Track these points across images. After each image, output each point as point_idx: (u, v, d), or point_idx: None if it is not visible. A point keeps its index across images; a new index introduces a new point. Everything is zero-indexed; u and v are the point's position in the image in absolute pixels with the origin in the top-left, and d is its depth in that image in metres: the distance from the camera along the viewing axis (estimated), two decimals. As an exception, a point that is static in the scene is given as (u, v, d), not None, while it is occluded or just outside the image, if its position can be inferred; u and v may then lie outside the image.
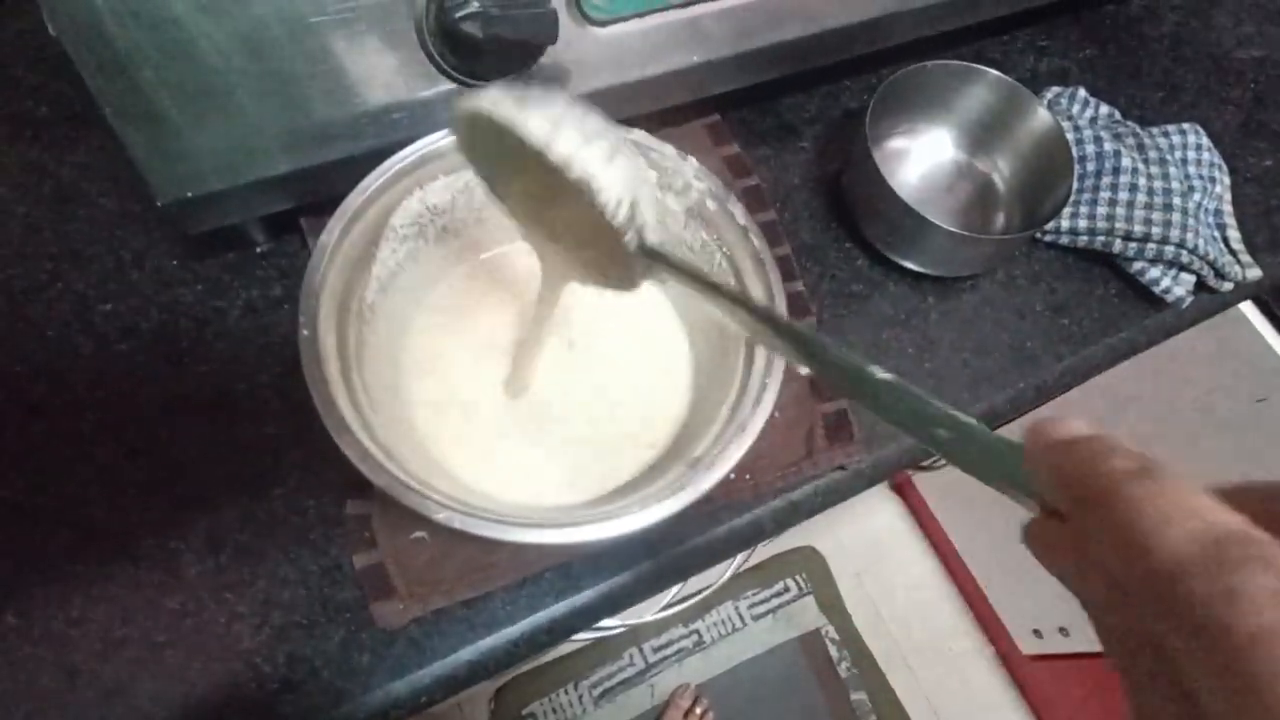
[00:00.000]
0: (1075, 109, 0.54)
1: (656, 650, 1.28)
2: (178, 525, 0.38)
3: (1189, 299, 0.51)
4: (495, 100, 0.27)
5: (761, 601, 1.35)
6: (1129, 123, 0.54)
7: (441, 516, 0.30)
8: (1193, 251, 0.49)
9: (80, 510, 0.37)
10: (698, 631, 1.31)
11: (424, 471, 0.34)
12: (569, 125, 0.26)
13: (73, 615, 0.36)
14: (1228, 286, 0.52)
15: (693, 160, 0.38)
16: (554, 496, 0.38)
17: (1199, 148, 0.54)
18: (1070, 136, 0.50)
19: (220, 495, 0.39)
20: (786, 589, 1.36)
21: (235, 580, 0.37)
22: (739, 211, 0.37)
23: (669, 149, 0.38)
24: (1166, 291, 0.50)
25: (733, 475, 0.33)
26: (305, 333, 0.32)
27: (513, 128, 0.26)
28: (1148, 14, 0.65)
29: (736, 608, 1.35)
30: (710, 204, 0.38)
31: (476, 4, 0.33)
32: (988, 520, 1.21)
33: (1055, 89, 0.55)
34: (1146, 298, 0.51)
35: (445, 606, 0.37)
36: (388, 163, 0.36)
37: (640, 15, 0.40)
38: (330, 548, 0.38)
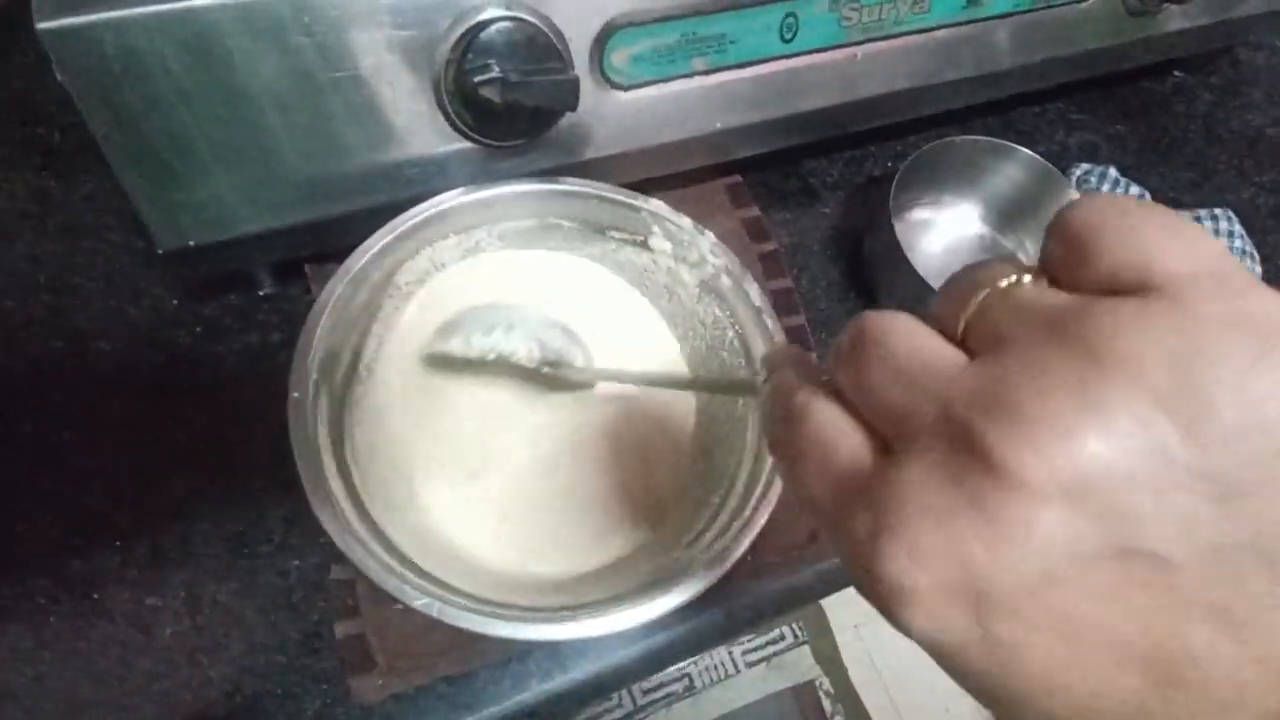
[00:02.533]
0: (1105, 188, 0.53)
1: (646, 693, 1.25)
2: (157, 581, 0.36)
3: (1216, 392, 0.49)
4: (434, 345, 0.37)
5: (756, 648, 1.32)
6: (1160, 206, 0.52)
7: (420, 604, 0.28)
8: (1222, 344, 0.47)
9: (57, 559, 0.36)
10: (689, 675, 1.29)
11: (413, 541, 0.33)
12: (473, 331, 0.36)
13: (41, 671, 0.34)
14: (1256, 380, 0.50)
15: (710, 234, 0.37)
16: (548, 567, 0.36)
17: (1230, 234, 0.53)
18: (1099, 218, 0.49)
19: (203, 550, 0.37)
20: (782, 637, 1.33)
21: (211, 643, 0.36)
22: (754, 291, 0.36)
23: (686, 221, 0.37)
24: (1193, 383, 0.48)
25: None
26: (295, 394, 0.31)
27: (447, 354, 0.37)
28: (1182, 91, 0.64)
29: (730, 652, 1.32)
30: (725, 280, 0.37)
31: (497, 70, 0.32)
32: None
33: (1085, 166, 0.54)
34: (1171, 387, 0.49)
35: (425, 682, 0.36)
36: (394, 223, 0.35)
37: (664, 81, 0.39)
38: (312, 613, 0.37)
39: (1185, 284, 0.13)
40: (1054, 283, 0.15)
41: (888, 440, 0.15)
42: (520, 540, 0.37)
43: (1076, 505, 0.12)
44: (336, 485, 0.31)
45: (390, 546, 0.31)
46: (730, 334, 0.38)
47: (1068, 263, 0.14)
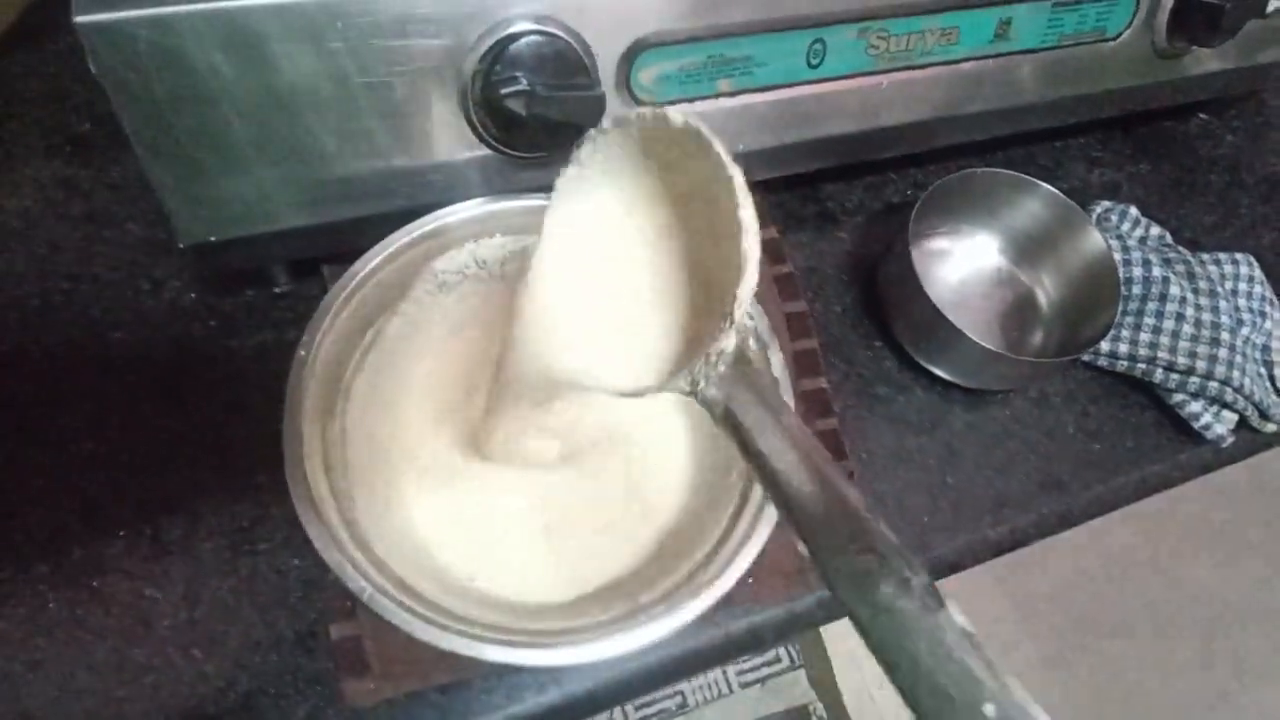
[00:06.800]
0: (1125, 227, 0.53)
1: (638, 709, 1.24)
2: (157, 573, 0.36)
3: (1230, 438, 0.48)
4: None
5: (751, 669, 1.31)
6: (1180, 248, 0.52)
7: (399, 619, 0.29)
8: (1237, 390, 0.47)
9: (59, 545, 0.36)
10: (682, 693, 1.28)
11: (403, 553, 0.33)
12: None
13: (36, 657, 0.34)
14: (1271, 428, 0.50)
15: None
16: (540, 592, 0.36)
17: (1251, 280, 0.52)
18: (1118, 257, 0.48)
19: (204, 544, 0.37)
20: (778, 659, 1.32)
21: (206, 638, 0.36)
22: (776, 361, 0.36)
23: None
24: (1206, 428, 0.48)
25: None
26: (301, 352, 0.32)
27: (714, 150, 0.25)
28: (1205, 133, 0.63)
29: (725, 672, 1.31)
30: (753, 343, 0.37)
31: (524, 82, 0.33)
32: (997, 624, 1.17)
33: (1105, 204, 0.54)
34: (1185, 431, 0.49)
35: (419, 689, 0.36)
36: (408, 228, 0.35)
37: (689, 101, 0.39)
38: (308, 612, 0.37)
39: None
40: None
41: None
42: (506, 561, 0.37)
43: None
44: (322, 489, 0.31)
45: (374, 550, 0.31)
46: None
47: None
